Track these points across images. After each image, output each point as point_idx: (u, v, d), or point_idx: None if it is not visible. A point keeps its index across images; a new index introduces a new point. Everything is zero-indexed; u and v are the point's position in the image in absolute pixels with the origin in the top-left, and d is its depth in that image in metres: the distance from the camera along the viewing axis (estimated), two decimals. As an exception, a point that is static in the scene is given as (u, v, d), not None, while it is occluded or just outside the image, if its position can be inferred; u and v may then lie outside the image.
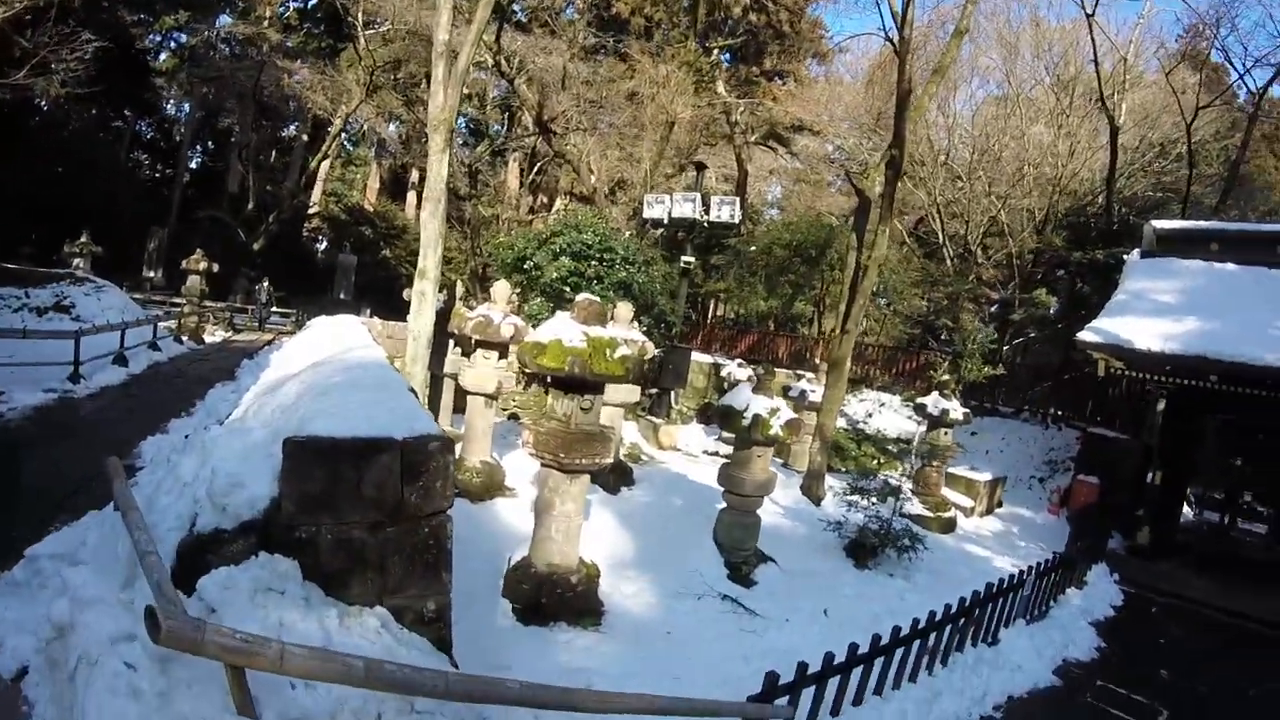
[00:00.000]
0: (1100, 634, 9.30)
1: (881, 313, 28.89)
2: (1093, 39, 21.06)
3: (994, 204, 25.88)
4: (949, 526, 13.53)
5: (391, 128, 38.37)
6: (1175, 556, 13.10)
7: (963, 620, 7.39)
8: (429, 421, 4.72)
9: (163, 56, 35.52)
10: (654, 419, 17.35)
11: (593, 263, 16.45)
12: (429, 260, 11.41)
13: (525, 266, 16.81)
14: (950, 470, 14.98)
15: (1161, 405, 14.24)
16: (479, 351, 10.97)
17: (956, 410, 13.88)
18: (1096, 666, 8.40)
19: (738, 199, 20.76)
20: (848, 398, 21.24)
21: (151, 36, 33.31)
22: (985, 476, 15.53)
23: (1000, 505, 15.99)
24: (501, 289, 11.32)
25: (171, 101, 37.70)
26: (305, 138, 38.81)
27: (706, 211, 20.23)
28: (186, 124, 37.10)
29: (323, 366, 6.51)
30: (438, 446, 4.49)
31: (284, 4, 36.17)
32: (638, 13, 31.27)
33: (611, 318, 11.20)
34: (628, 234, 18.87)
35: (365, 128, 39.06)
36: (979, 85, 29.32)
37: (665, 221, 20.78)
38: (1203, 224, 15.15)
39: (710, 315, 34.20)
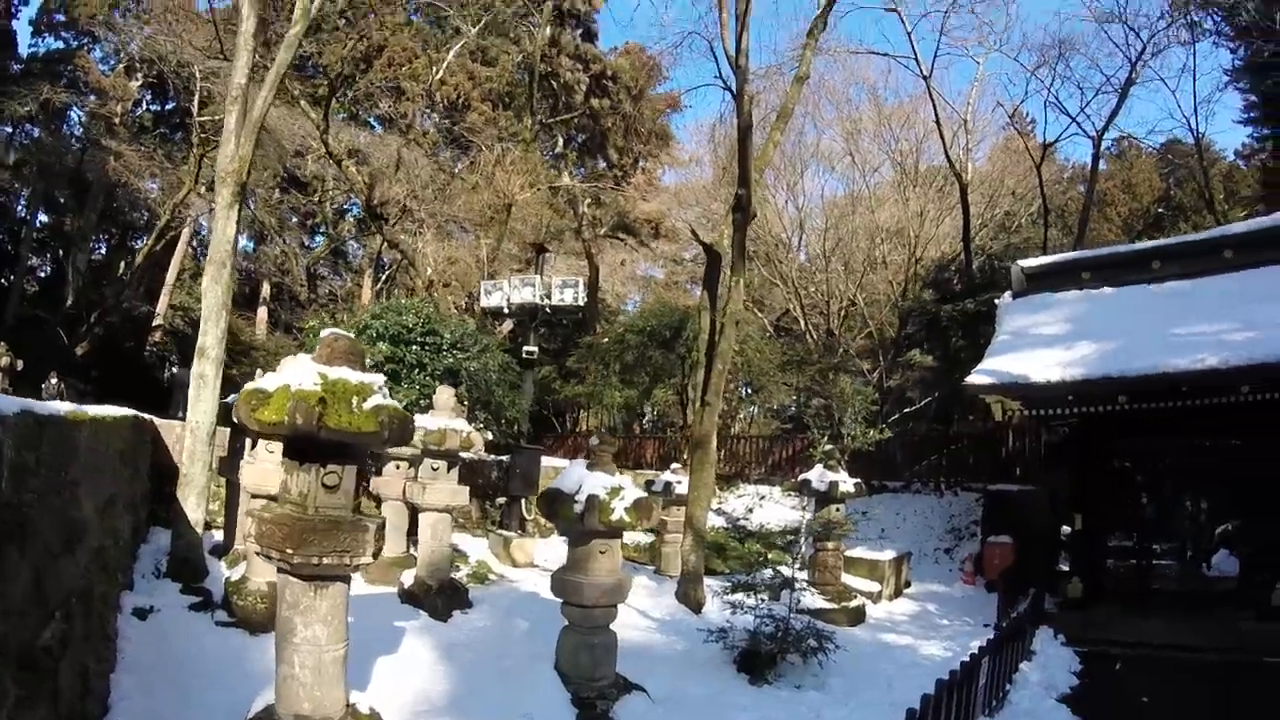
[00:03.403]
0: (1074, 709, 7.54)
1: (749, 411, 27.61)
2: (933, 102, 21.29)
3: (849, 287, 25.74)
4: (858, 617, 11.45)
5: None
6: (1112, 604, 11.53)
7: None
8: None
9: (11, 156, 32.24)
10: (505, 533, 14.56)
11: (414, 347, 13.96)
12: (209, 336, 8.66)
13: (337, 353, 14.07)
14: (849, 554, 13.12)
15: (1058, 444, 12.98)
16: (261, 444, 8.24)
17: (846, 482, 12.15)
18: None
19: (580, 279, 19.03)
20: (725, 495, 19.33)
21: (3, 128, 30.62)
22: (888, 555, 13.69)
23: (909, 585, 14.31)
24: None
25: (22, 201, 34.71)
26: (157, 248, 35.54)
27: (548, 296, 18.31)
28: (29, 224, 34.11)
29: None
30: None
31: (136, 105, 34.09)
32: (492, 124, 30.85)
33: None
34: (458, 318, 16.53)
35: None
36: (824, 170, 29.75)
37: (506, 310, 18.66)
38: (1071, 255, 14.49)
39: (576, 425, 32.22)
